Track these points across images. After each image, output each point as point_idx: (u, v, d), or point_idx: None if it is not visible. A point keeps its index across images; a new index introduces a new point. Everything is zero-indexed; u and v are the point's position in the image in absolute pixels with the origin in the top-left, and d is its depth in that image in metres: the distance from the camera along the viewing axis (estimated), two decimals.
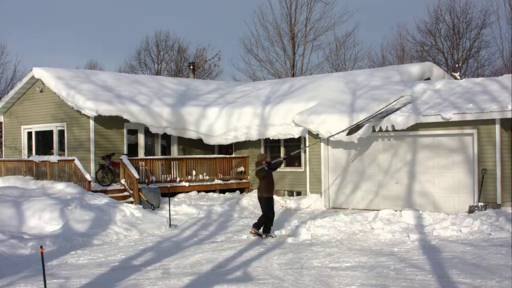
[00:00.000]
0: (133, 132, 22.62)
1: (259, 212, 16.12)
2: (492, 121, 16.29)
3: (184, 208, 19.02)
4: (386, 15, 60.16)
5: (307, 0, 39.05)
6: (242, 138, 22.81)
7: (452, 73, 34.08)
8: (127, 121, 21.85)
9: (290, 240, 13.91)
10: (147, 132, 22.80)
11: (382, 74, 22.77)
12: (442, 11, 39.86)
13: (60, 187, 18.75)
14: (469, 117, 16.50)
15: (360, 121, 18.15)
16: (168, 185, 20.16)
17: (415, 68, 22.81)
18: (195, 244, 13.81)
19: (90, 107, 20.72)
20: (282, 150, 22.73)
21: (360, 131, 18.01)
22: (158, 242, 14.26)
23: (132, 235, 15.14)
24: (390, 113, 17.99)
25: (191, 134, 23.22)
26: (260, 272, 10.41)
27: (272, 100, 22.91)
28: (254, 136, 22.42)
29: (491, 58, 40.08)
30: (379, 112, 18.43)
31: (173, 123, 22.57)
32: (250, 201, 20.48)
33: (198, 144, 24.09)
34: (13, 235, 13.82)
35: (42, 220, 15.14)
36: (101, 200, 17.16)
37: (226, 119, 23.15)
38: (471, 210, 16.06)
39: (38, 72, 22.87)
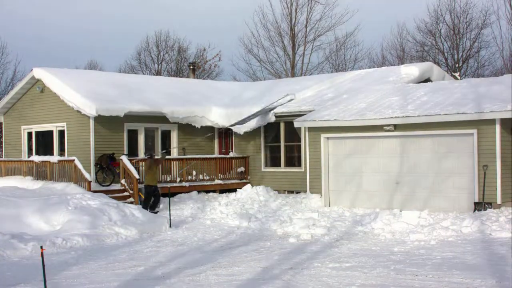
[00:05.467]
0: (133, 132, 22.62)
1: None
2: (492, 121, 16.28)
3: (184, 208, 19.01)
4: (386, 15, 60.16)
5: (307, 0, 39.11)
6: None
7: (452, 73, 34.08)
8: (127, 121, 21.86)
9: (290, 240, 13.92)
10: (147, 132, 22.82)
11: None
12: (442, 11, 39.89)
13: (60, 187, 18.73)
14: (469, 117, 16.49)
15: (250, 115, 21.94)
16: (168, 185, 20.15)
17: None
18: (195, 243, 13.82)
19: (90, 107, 20.72)
20: (282, 149, 22.73)
21: (248, 124, 21.91)
22: (158, 242, 14.28)
23: (132, 235, 15.12)
24: (273, 109, 22.03)
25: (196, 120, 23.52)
26: (260, 272, 10.42)
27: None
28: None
29: (491, 58, 39.92)
30: (265, 108, 22.04)
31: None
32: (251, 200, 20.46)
33: (198, 146, 24.14)
34: (13, 234, 13.80)
35: (43, 220, 15.14)
36: (102, 200, 17.14)
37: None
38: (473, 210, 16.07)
39: (38, 72, 22.86)
